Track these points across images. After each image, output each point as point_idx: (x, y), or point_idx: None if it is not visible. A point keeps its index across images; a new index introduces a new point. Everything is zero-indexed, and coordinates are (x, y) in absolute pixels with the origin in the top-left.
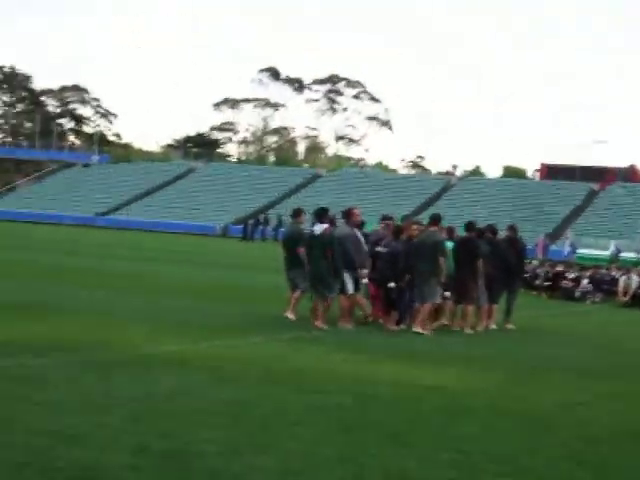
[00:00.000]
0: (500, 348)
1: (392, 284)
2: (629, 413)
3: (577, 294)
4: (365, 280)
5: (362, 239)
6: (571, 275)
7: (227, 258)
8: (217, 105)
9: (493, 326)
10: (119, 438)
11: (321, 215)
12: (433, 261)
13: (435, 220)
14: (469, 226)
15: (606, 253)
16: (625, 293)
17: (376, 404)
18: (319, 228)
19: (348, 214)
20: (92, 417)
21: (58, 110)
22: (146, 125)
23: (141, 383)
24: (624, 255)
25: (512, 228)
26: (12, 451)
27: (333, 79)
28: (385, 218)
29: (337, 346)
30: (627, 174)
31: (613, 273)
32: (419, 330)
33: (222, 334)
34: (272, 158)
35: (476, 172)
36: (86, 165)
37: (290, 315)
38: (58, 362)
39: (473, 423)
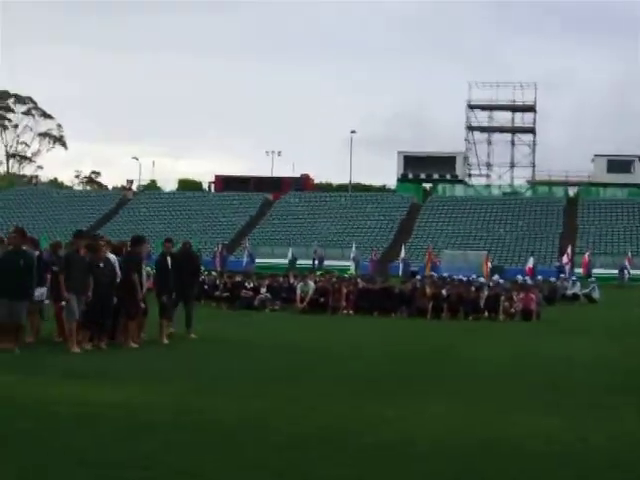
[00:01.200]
0: (179, 361)
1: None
2: (307, 416)
3: (256, 302)
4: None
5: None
6: (250, 285)
7: None
8: None
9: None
10: None
11: None
12: None
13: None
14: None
15: (284, 261)
16: (302, 300)
17: (58, 426)
18: None
19: None
20: None
21: None
22: None
23: None
24: (300, 262)
25: (186, 244)
26: None
27: (2, 95)
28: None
29: (10, 368)
30: (300, 183)
31: (291, 281)
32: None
33: None
34: None
35: (152, 186)
36: None
37: None
38: None
39: (155, 438)
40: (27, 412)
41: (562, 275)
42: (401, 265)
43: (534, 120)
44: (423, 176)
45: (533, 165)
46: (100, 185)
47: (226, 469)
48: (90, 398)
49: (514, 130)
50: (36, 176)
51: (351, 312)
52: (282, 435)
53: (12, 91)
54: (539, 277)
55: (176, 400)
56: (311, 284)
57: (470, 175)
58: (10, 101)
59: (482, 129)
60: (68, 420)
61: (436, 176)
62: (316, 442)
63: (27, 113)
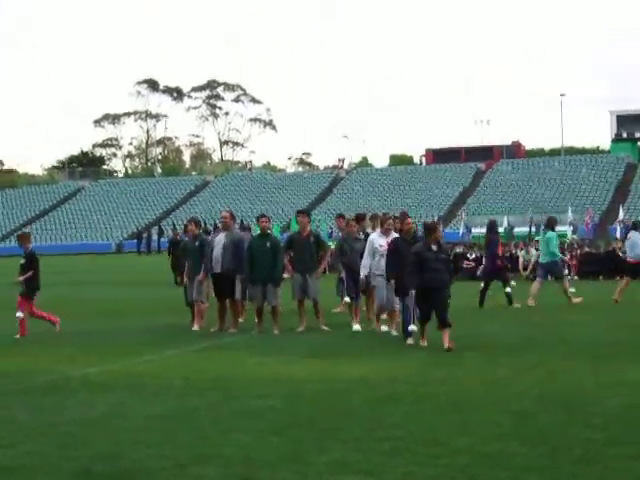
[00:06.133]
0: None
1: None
2: (550, 383)
3: (479, 273)
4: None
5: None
6: (472, 255)
7: (126, 274)
8: (97, 122)
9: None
10: (60, 465)
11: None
12: None
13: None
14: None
15: (500, 230)
16: (525, 267)
17: (305, 402)
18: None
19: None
20: (30, 446)
21: None
22: (28, 149)
23: (70, 408)
24: (518, 230)
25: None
26: None
27: (212, 84)
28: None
29: (249, 351)
30: (511, 151)
31: (512, 250)
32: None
33: (136, 351)
34: (159, 169)
35: (363, 163)
36: None
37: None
38: None
39: (403, 410)
40: (277, 389)
41: None
42: (619, 227)
43: None
44: (638, 135)
45: None
46: (311, 165)
47: (473, 437)
48: (330, 375)
49: None
50: (250, 161)
51: (575, 277)
52: (531, 401)
53: (220, 80)
54: None
55: (416, 372)
56: (533, 251)
57: None
58: (219, 89)
59: None
60: (315, 397)
61: None
62: (560, 405)
63: (236, 100)
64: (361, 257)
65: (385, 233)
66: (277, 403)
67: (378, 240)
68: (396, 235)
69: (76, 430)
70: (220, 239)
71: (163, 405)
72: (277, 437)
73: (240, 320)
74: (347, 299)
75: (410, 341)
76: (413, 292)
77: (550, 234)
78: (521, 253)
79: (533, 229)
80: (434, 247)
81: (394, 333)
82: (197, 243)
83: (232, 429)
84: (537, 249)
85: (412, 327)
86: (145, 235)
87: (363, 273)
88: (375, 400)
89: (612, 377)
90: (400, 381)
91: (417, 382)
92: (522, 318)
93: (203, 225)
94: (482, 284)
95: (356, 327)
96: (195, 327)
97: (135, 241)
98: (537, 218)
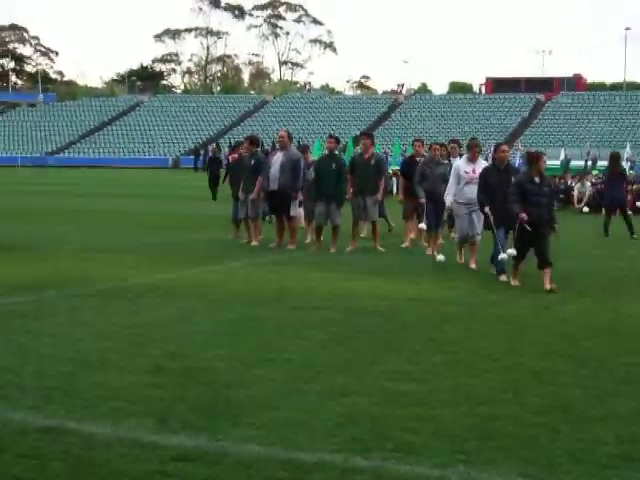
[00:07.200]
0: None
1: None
2: (598, 311)
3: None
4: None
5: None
6: None
7: (185, 189)
8: (158, 36)
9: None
10: (133, 361)
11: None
12: None
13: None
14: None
15: (557, 162)
16: (580, 200)
17: (364, 316)
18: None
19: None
20: (101, 344)
21: None
22: (89, 61)
23: (138, 311)
24: (574, 163)
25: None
26: (41, 378)
27: (274, 4)
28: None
29: (309, 266)
30: (572, 83)
31: (568, 182)
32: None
33: (200, 262)
34: (218, 87)
35: (423, 89)
36: (32, 105)
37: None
38: (51, 298)
39: (456, 328)
40: (337, 303)
41: None
42: None
43: None
44: None
45: None
46: (370, 89)
47: (523, 355)
48: (387, 293)
49: None
50: (309, 82)
51: (630, 212)
52: (578, 326)
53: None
54: None
55: (470, 294)
56: (588, 185)
57: None
58: (281, 9)
59: None
60: (372, 312)
61: None
62: (606, 332)
63: (298, 20)
64: (444, 183)
65: (472, 159)
66: (337, 315)
67: (464, 167)
68: (485, 163)
69: (146, 331)
70: (277, 158)
71: (229, 312)
72: (337, 346)
73: (307, 241)
74: (423, 226)
75: (504, 277)
76: (524, 216)
77: None
78: (576, 186)
79: (589, 163)
80: (537, 179)
81: (473, 266)
82: (253, 161)
83: (295, 337)
84: (592, 182)
85: (503, 255)
86: (202, 152)
87: (449, 200)
88: (430, 317)
89: None
90: (454, 301)
91: (470, 304)
92: (585, 250)
93: (261, 144)
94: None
95: (440, 257)
96: (254, 242)
97: (192, 157)
98: (594, 152)
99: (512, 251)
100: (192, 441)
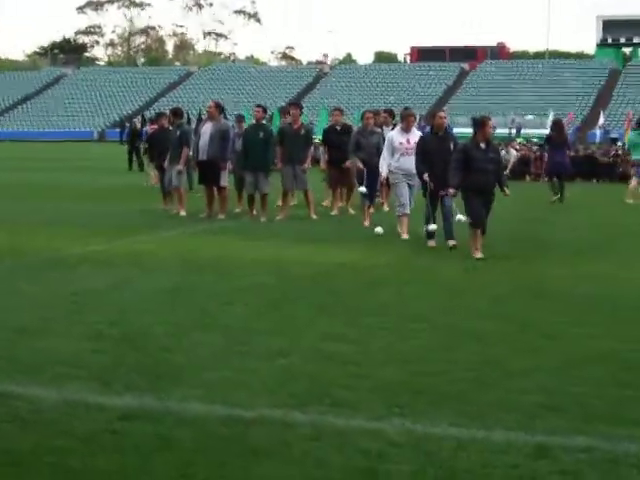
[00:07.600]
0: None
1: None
2: (524, 273)
3: None
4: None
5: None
6: None
7: (111, 162)
8: (80, 8)
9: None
10: (73, 328)
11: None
12: None
13: None
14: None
15: None
16: (505, 167)
17: (297, 282)
18: None
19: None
20: (40, 313)
21: None
22: (9, 34)
23: (74, 281)
24: (498, 132)
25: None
26: None
27: None
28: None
29: (241, 235)
30: (495, 52)
31: None
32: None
33: (132, 232)
34: (142, 59)
35: (348, 60)
36: None
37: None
38: None
39: (388, 292)
40: (269, 269)
41: None
42: (599, 132)
43: None
44: (623, 40)
45: None
46: (295, 60)
47: (452, 316)
48: (318, 259)
49: None
50: (233, 53)
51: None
52: (505, 288)
53: None
54: None
55: (398, 260)
56: (513, 152)
57: None
58: None
59: None
60: (304, 278)
61: (637, 40)
62: (531, 292)
63: None
64: (377, 152)
65: (406, 130)
66: (270, 282)
67: (398, 137)
68: (419, 133)
69: (83, 300)
70: (207, 128)
71: (164, 281)
72: (272, 311)
73: (237, 210)
74: (362, 189)
75: (432, 243)
76: (452, 191)
77: None
78: (502, 153)
79: (514, 131)
80: (482, 145)
81: (405, 237)
82: (178, 132)
83: (230, 302)
84: (517, 149)
85: (432, 226)
86: (128, 124)
87: (385, 172)
88: (361, 282)
89: (584, 269)
90: (385, 267)
91: (401, 269)
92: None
93: (186, 115)
94: None
95: (378, 229)
96: (182, 212)
97: (118, 130)
98: (519, 120)
99: (461, 217)
100: (136, 401)
